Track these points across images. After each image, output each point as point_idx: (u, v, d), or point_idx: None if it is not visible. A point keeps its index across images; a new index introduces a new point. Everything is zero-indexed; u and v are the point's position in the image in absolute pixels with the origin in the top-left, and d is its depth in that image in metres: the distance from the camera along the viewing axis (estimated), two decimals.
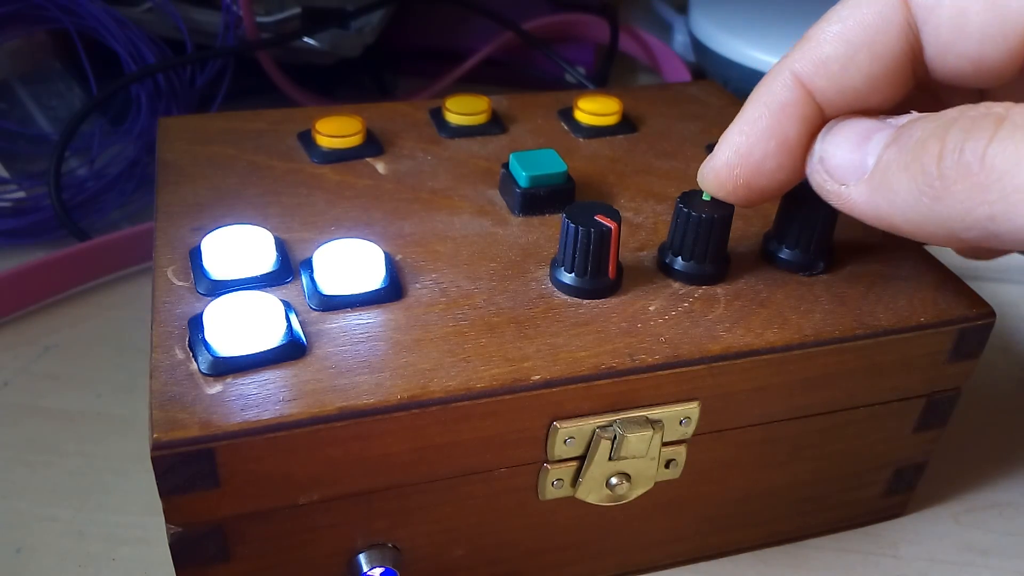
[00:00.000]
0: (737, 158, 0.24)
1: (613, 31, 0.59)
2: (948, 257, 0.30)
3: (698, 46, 0.59)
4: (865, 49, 0.22)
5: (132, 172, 0.45)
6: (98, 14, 0.44)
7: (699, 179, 0.25)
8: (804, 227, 0.27)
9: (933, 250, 0.30)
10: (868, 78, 0.22)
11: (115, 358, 0.37)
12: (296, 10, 0.49)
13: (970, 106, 0.20)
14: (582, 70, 0.57)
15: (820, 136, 0.23)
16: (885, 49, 0.22)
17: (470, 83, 0.57)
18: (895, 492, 0.32)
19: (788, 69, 0.23)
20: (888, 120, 0.22)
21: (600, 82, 0.57)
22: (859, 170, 0.21)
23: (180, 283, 0.25)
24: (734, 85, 0.55)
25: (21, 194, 0.44)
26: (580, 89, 0.50)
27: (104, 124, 0.47)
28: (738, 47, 0.54)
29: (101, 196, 0.44)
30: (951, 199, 0.19)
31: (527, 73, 0.60)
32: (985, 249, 0.26)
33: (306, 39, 0.49)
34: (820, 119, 0.23)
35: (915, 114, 0.21)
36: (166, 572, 0.29)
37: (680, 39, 0.65)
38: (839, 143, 0.22)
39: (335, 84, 0.57)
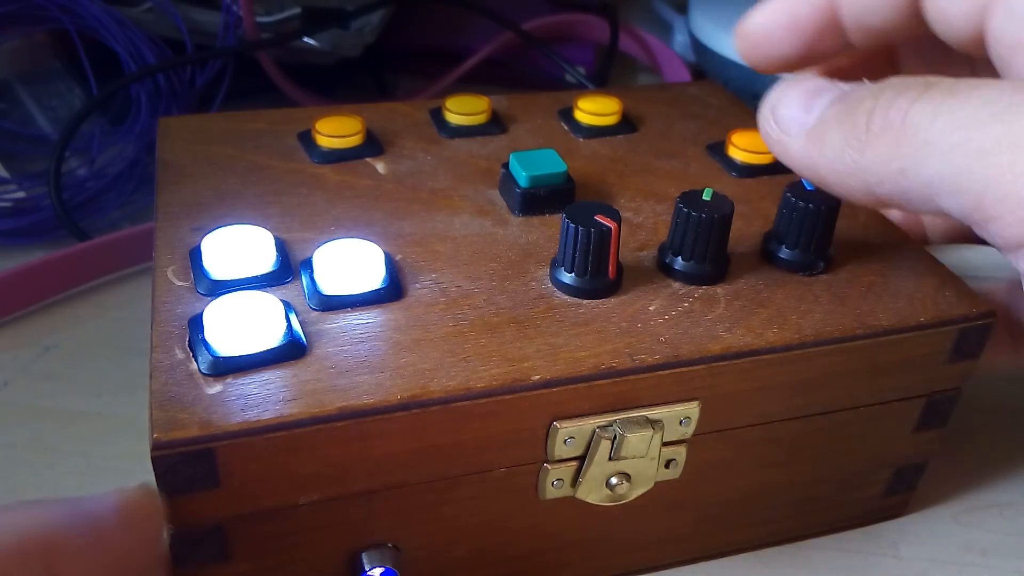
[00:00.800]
0: (761, 23, 0.27)
1: (613, 31, 0.59)
2: (949, 257, 0.30)
3: (698, 46, 0.58)
4: None
5: (132, 172, 0.45)
6: (98, 14, 0.44)
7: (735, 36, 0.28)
8: (804, 226, 0.27)
9: (934, 250, 0.30)
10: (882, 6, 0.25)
11: (115, 358, 0.37)
12: (296, 10, 0.49)
13: (911, 76, 0.22)
14: (582, 70, 0.57)
15: (775, 88, 0.25)
16: None
17: (470, 83, 0.57)
18: (895, 492, 0.32)
19: None
20: (840, 84, 0.24)
21: (600, 82, 0.57)
22: (802, 124, 0.24)
23: (180, 283, 0.25)
24: (734, 85, 0.55)
25: (21, 194, 0.44)
26: (580, 89, 0.50)
27: (104, 124, 0.47)
28: None
29: (101, 196, 0.44)
30: (872, 152, 0.22)
31: (527, 73, 0.59)
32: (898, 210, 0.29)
33: (306, 39, 0.49)
34: (831, 12, 0.26)
35: (865, 82, 0.23)
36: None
37: (680, 39, 0.65)
38: (791, 97, 0.24)
39: (335, 84, 0.57)
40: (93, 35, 0.45)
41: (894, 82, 0.22)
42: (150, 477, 0.31)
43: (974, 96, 0.21)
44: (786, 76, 0.26)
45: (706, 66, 0.59)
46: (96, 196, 0.44)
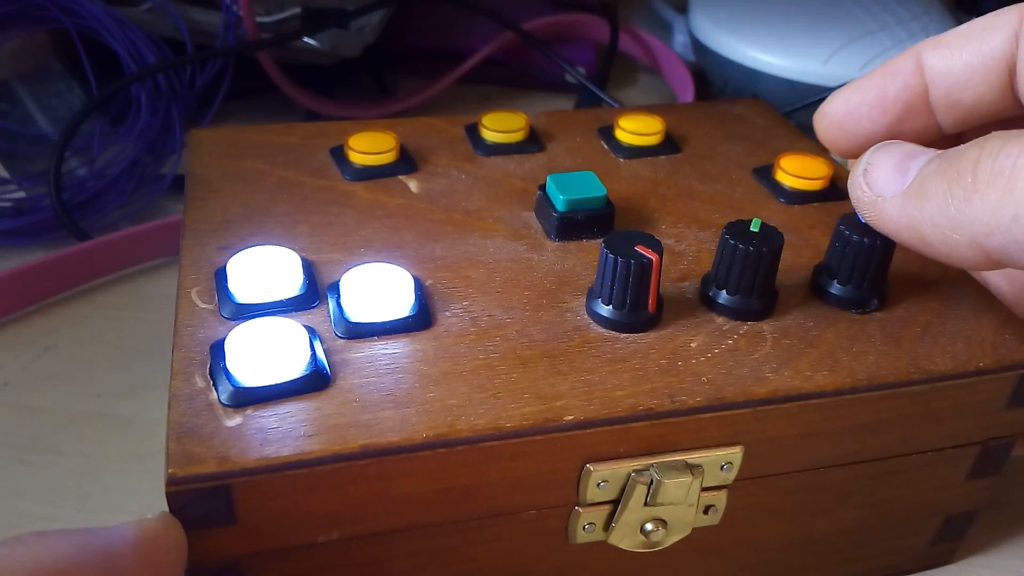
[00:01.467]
0: (846, 100, 0.27)
1: (613, 31, 0.58)
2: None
3: (698, 46, 0.58)
4: (975, 44, 0.25)
5: (132, 172, 0.45)
6: (98, 14, 0.44)
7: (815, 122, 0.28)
8: (857, 260, 0.25)
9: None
10: (968, 66, 0.25)
11: (115, 358, 0.37)
12: (296, 10, 0.49)
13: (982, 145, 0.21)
14: (582, 70, 0.56)
15: (868, 151, 0.24)
16: (990, 48, 0.25)
17: (470, 83, 0.56)
18: (944, 540, 0.30)
19: (914, 49, 0.26)
20: (936, 150, 0.23)
21: (600, 82, 0.56)
22: (897, 185, 0.23)
23: (204, 305, 0.24)
24: (734, 85, 0.54)
25: (21, 194, 0.44)
26: (620, 108, 0.49)
27: (104, 124, 0.47)
28: (738, 47, 0.53)
29: (101, 196, 0.44)
30: (980, 200, 0.21)
31: (527, 73, 0.59)
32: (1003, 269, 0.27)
33: (306, 39, 0.49)
34: (922, 90, 0.26)
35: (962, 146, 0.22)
36: None
37: (680, 39, 0.65)
38: (885, 159, 0.24)
39: (335, 84, 0.57)
40: (93, 35, 0.45)
41: (999, 133, 0.21)
42: (149, 476, 0.31)
43: None
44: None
45: (706, 66, 0.58)
46: (96, 196, 0.44)
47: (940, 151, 0.23)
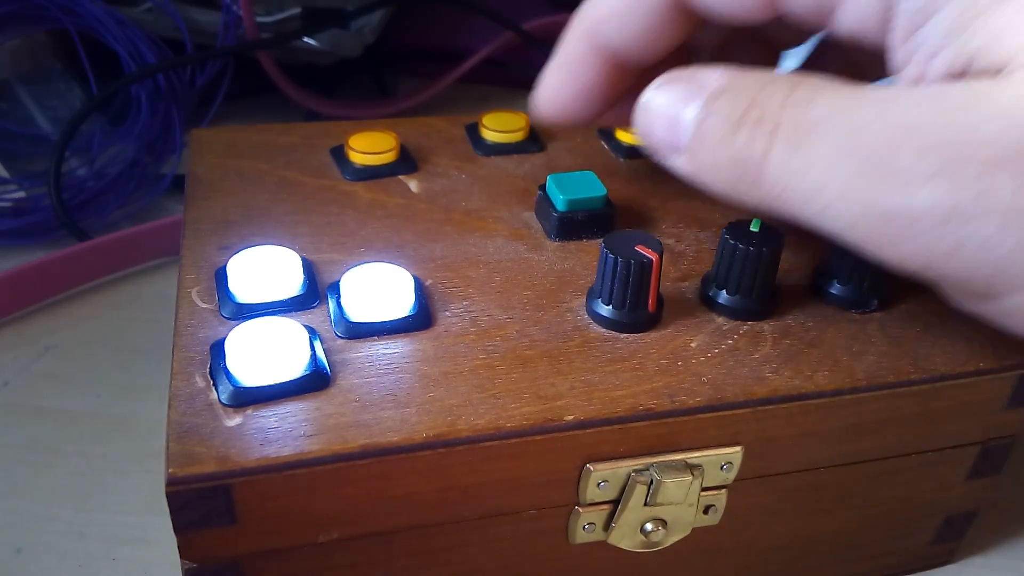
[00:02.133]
0: (552, 95, 0.27)
1: None
2: None
3: None
4: (636, 5, 0.25)
5: (132, 172, 0.45)
6: (98, 14, 0.44)
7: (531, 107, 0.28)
8: (857, 260, 0.25)
9: None
10: (645, 30, 0.25)
11: (115, 358, 0.37)
12: (296, 10, 0.49)
13: (750, 99, 0.21)
14: None
15: (638, 109, 0.23)
16: (652, 4, 0.25)
17: (470, 83, 0.56)
18: (944, 540, 0.30)
19: (581, 24, 0.26)
20: (690, 99, 0.22)
21: None
22: (676, 148, 0.22)
23: (204, 305, 0.24)
24: None
25: (21, 194, 0.44)
26: None
27: (104, 124, 0.47)
28: None
29: (101, 196, 0.44)
30: (750, 197, 0.21)
31: (527, 73, 0.58)
32: None
33: (306, 39, 0.49)
34: (614, 64, 0.26)
35: (711, 82, 0.22)
36: (166, 572, 0.28)
37: None
38: (656, 123, 0.23)
39: (335, 84, 0.57)
40: (93, 35, 0.45)
41: (739, 119, 0.21)
42: (149, 476, 0.31)
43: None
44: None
45: None
46: (96, 196, 0.44)
47: (698, 102, 0.22)
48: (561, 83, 0.27)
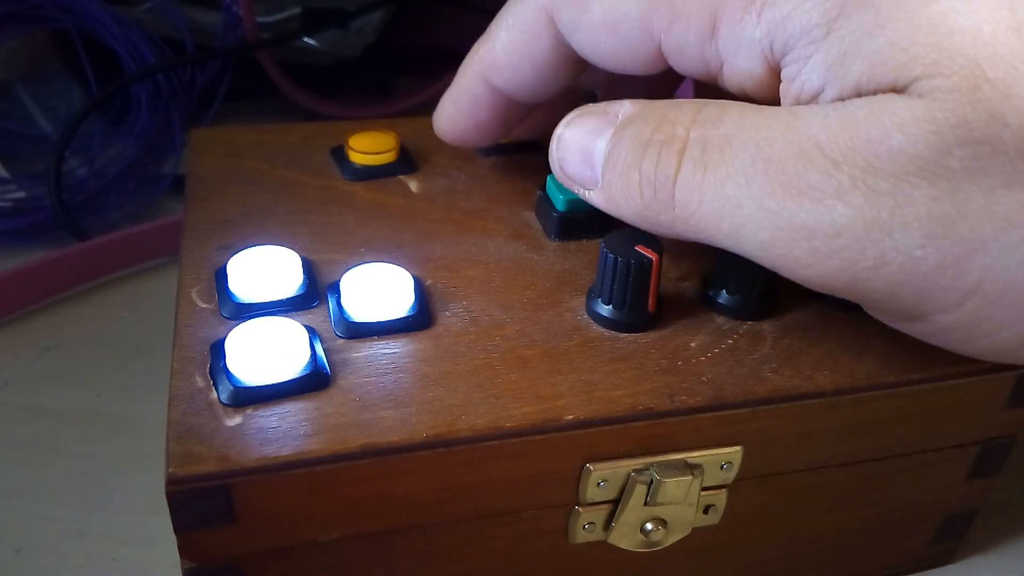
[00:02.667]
0: (449, 126, 0.29)
1: None
2: None
3: None
4: (527, 60, 0.26)
5: (132, 172, 0.45)
6: (98, 14, 0.44)
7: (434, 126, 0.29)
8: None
9: None
10: (535, 79, 0.26)
11: (115, 358, 0.37)
12: (296, 10, 0.49)
13: (658, 121, 0.21)
14: None
15: (553, 143, 0.24)
16: (542, 58, 0.25)
17: None
18: (943, 540, 0.30)
19: (475, 66, 0.27)
20: (602, 131, 0.22)
21: None
22: (591, 180, 0.23)
23: (204, 305, 0.24)
24: None
25: (21, 194, 0.44)
26: None
27: (104, 124, 0.47)
28: None
29: (101, 196, 0.44)
30: (663, 221, 0.21)
31: None
32: None
33: (306, 39, 0.49)
34: (508, 101, 0.27)
35: (621, 112, 0.22)
36: (166, 572, 0.28)
37: None
38: (570, 147, 0.23)
39: (335, 84, 0.57)
40: (93, 35, 0.45)
41: (647, 140, 0.21)
42: (149, 476, 0.31)
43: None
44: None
45: None
46: (96, 196, 0.44)
47: (623, 119, 0.22)
48: (458, 114, 0.28)
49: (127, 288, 0.41)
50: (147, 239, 0.41)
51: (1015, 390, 0.26)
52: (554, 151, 0.24)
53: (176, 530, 0.20)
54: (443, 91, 0.29)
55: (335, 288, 0.25)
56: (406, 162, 0.32)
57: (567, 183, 0.24)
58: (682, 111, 0.21)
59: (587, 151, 0.23)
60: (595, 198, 0.23)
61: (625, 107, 0.22)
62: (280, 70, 0.50)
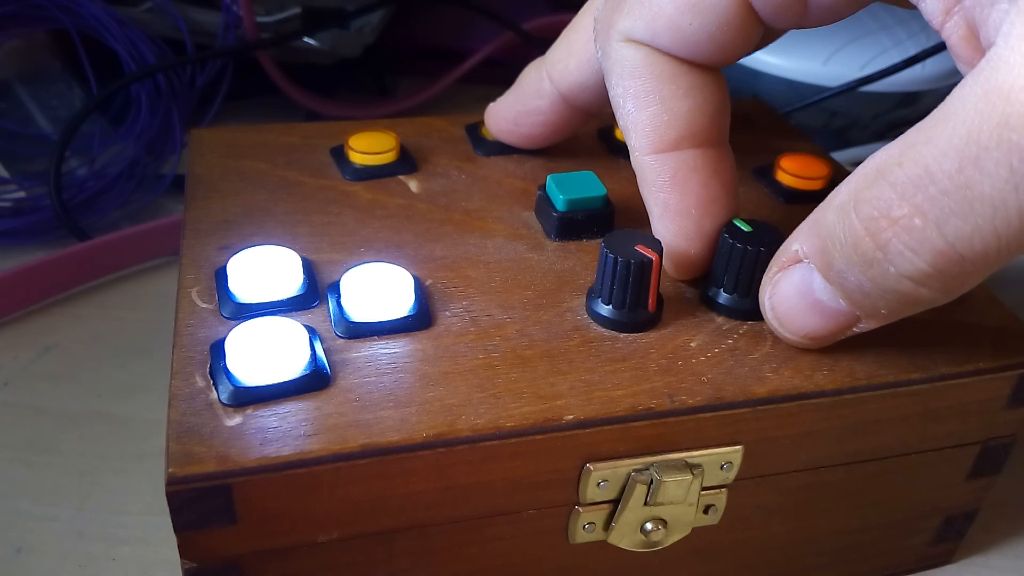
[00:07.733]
0: (513, 127, 0.31)
1: None
2: (1011, 298, 0.29)
3: None
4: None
5: (132, 172, 0.45)
6: (98, 14, 0.44)
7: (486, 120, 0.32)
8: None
9: (995, 290, 0.28)
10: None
11: (115, 358, 0.37)
12: (296, 10, 0.49)
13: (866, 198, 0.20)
14: None
15: (765, 313, 0.24)
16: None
17: (470, 83, 0.56)
18: (944, 540, 0.30)
19: (548, 76, 0.30)
20: (808, 275, 0.22)
21: None
22: (819, 326, 0.23)
23: (204, 305, 0.24)
24: (734, 85, 0.54)
25: (21, 194, 0.44)
26: None
27: (104, 124, 0.47)
28: None
29: (101, 196, 0.44)
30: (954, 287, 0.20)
31: None
32: None
33: (306, 39, 0.49)
34: (575, 109, 0.29)
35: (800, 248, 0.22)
36: (166, 572, 0.28)
37: None
38: (788, 294, 0.23)
39: (335, 84, 0.57)
40: (93, 35, 0.45)
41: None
42: (149, 476, 0.31)
43: None
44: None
45: None
46: (96, 196, 0.44)
47: (807, 251, 0.22)
48: (521, 114, 0.30)
49: (127, 288, 0.41)
50: (147, 239, 0.41)
51: (1015, 390, 0.26)
52: (774, 319, 0.24)
53: (176, 530, 0.20)
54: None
55: (335, 288, 0.25)
56: (406, 162, 0.32)
57: (813, 340, 0.23)
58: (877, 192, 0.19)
59: (807, 279, 0.22)
60: (870, 324, 0.22)
61: (794, 245, 0.22)
62: (280, 70, 0.50)
